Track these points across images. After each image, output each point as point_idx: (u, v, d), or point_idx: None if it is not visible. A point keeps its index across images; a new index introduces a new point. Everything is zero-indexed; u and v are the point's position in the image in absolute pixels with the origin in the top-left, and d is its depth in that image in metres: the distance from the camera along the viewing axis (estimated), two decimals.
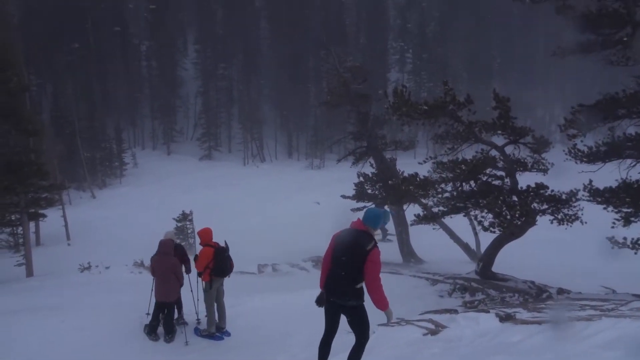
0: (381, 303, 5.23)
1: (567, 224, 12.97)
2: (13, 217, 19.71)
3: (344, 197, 20.12)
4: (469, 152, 14.36)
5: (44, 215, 20.65)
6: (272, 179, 42.13)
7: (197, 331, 9.38)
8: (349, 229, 5.47)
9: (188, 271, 9.55)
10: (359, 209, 18.98)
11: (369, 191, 19.83)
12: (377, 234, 16.20)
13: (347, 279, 5.27)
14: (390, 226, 22.75)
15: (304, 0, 54.18)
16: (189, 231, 23.93)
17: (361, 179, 20.17)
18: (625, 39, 12.38)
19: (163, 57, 51.41)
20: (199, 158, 49.15)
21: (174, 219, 23.93)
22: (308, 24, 52.69)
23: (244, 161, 49.53)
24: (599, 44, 12.47)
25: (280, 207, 32.07)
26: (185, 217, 24.03)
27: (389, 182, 17.30)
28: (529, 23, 53.51)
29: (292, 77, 50.59)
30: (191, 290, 9.51)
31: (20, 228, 20.41)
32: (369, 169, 20.87)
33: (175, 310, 9.48)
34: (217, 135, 52.02)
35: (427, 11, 60.04)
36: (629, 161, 12.93)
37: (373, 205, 18.44)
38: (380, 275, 5.26)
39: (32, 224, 24.42)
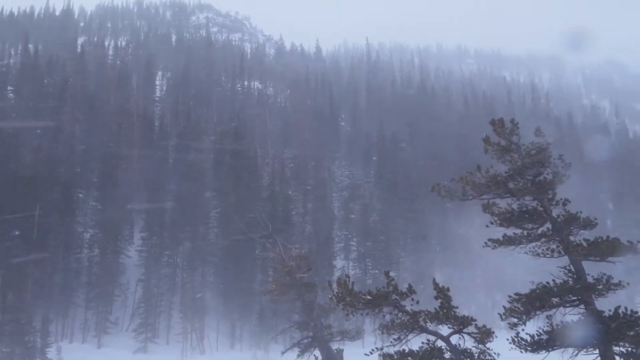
0: None
1: None
2: None
3: None
4: (416, 342, 14.12)
5: None
6: None
7: None
8: None
9: None
10: None
11: None
12: None
13: None
14: None
15: (252, 191, 56.84)
16: None
17: None
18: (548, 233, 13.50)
19: (106, 244, 50.56)
20: (133, 351, 45.37)
21: None
22: (255, 213, 54.51)
23: (182, 354, 46.02)
24: (524, 238, 13.47)
25: None
26: None
27: None
28: (464, 212, 57.58)
29: (237, 265, 50.41)
30: None
31: None
32: None
33: None
34: (155, 325, 48.98)
35: (370, 203, 64.01)
36: (570, 350, 13.02)
37: None
38: None
39: None
